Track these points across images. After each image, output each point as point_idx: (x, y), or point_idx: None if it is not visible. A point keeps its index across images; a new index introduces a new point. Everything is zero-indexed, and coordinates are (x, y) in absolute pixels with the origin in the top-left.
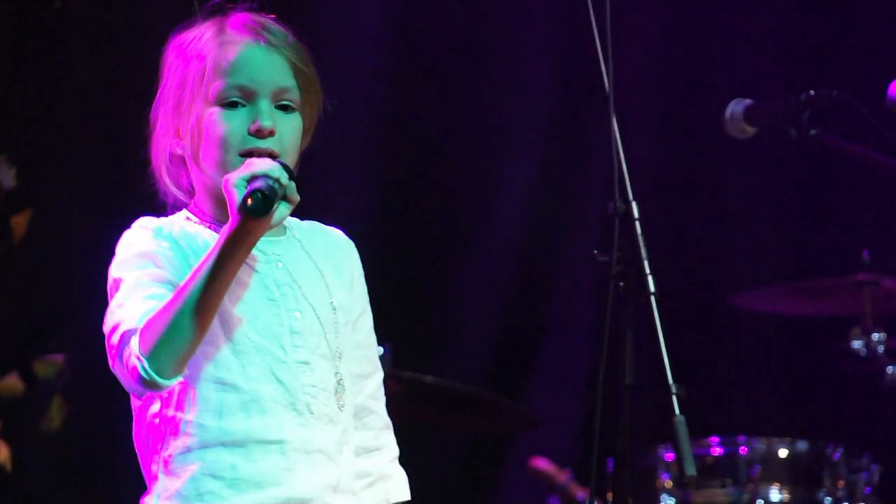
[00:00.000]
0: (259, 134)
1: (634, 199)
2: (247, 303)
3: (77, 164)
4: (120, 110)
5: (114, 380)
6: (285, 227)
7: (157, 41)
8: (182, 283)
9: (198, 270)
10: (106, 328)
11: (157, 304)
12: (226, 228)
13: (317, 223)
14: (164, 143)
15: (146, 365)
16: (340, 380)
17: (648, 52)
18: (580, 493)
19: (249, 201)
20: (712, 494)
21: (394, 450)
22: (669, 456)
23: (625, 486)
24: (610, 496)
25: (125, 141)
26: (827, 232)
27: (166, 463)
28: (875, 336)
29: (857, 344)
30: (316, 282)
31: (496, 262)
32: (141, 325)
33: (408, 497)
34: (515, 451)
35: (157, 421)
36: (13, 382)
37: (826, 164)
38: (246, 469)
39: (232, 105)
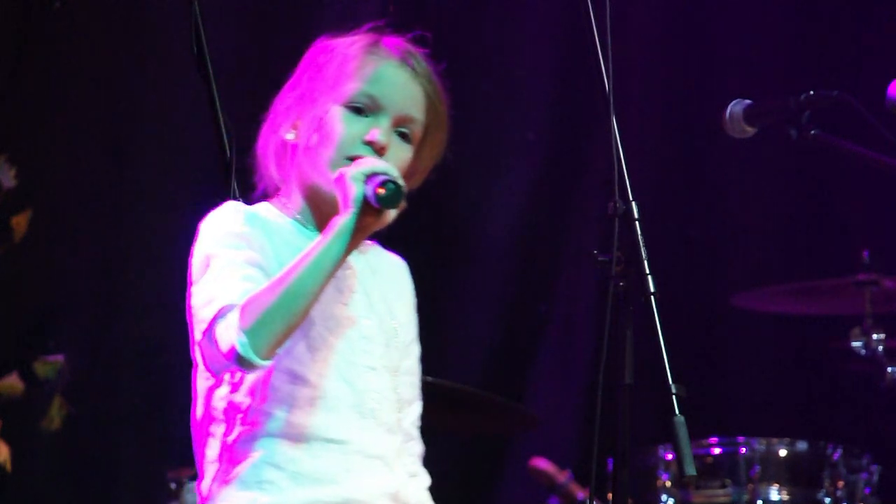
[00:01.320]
0: (372, 145)
1: (634, 199)
2: (323, 303)
3: (77, 164)
4: (120, 110)
5: (114, 380)
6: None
7: (158, 41)
8: (288, 267)
9: (306, 256)
10: (196, 301)
11: (255, 286)
12: (339, 220)
13: (377, 245)
14: (279, 128)
15: (246, 340)
16: (399, 396)
17: (648, 52)
18: (580, 493)
19: (382, 191)
20: (712, 494)
21: (427, 479)
22: (669, 456)
23: (625, 486)
24: (610, 496)
25: (125, 141)
26: (827, 232)
27: (229, 448)
28: (875, 336)
29: (857, 344)
30: (382, 300)
31: (496, 262)
32: (241, 302)
33: None
34: (515, 451)
35: (222, 405)
36: (13, 382)
37: (826, 164)
38: (307, 464)
39: (357, 110)
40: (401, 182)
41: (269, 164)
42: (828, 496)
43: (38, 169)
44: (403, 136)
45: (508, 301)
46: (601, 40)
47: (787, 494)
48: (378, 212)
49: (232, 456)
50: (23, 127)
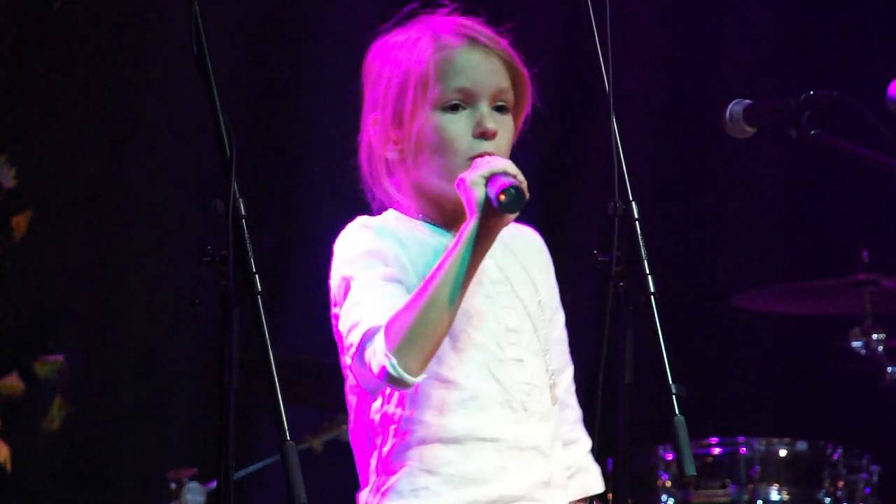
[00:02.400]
0: (484, 136)
1: (634, 199)
2: (466, 300)
3: (77, 164)
4: (120, 110)
5: (114, 380)
6: None
7: (157, 41)
8: (424, 281)
9: (440, 268)
10: (343, 326)
11: (396, 303)
12: (467, 226)
13: (511, 225)
14: (380, 150)
15: (395, 362)
16: (552, 375)
17: (648, 52)
18: None
19: (503, 197)
20: (712, 494)
21: (588, 442)
22: (669, 456)
23: (625, 486)
24: (610, 496)
25: (125, 141)
26: (827, 232)
27: (385, 460)
28: (875, 336)
29: (857, 344)
30: (524, 280)
31: None
32: (385, 323)
33: (603, 489)
34: None
35: (377, 418)
36: (13, 382)
37: (826, 164)
38: (461, 466)
39: (453, 108)
40: (520, 178)
41: (384, 184)
42: (828, 496)
43: (38, 169)
44: (501, 109)
45: None
46: (601, 40)
47: (787, 494)
48: (503, 213)
49: (387, 467)
50: (23, 127)
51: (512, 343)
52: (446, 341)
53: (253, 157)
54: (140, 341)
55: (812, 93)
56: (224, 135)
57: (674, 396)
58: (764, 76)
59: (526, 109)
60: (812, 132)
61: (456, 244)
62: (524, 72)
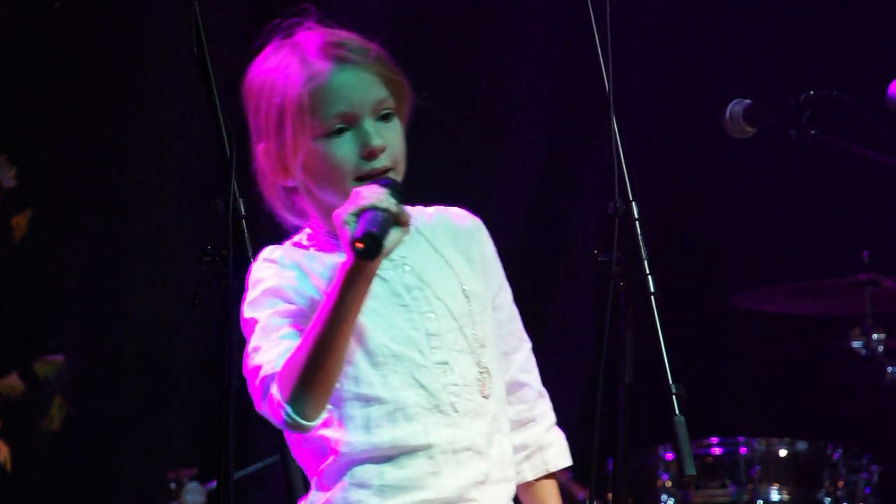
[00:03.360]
0: (371, 155)
1: (634, 199)
2: (379, 313)
3: (77, 164)
4: (120, 110)
5: (114, 380)
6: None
7: (157, 41)
8: (311, 324)
9: (323, 310)
10: (246, 372)
11: (292, 344)
12: (343, 265)
13: (440, 209)
14: (273, 180)
15: (289, 411)
16: (484, 370)
17: (648, 53)
18: (580, 493)
19: (360, 246)
20: (712, 494)
21: (550, 418)
22: (669, 456)
23: (625, 486)
24: (610, 496)
25: (125, 141)
26: (827, 232)
27: (319, 476)
28: (875, 336)
29: (857, 344)
30: (445, 276)
31: None
32: (279, 370)
33: (568, 462)
34: None
35: (311, 440)
36: (13, 382)
37: (826, 164)
38: (392, 475)
39: (338, 132)
40: (392, 207)
41: (283, 214)
42: (828, 496)
43: (38, 169)
44: (386, 117)
45: None
46: (601, 40)
47: (787, 494)
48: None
49: (322, 485)
50: (23, 127)
51: (434, 347)
52: (363, 358)
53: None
54: (140, 341)
55: (812, 93)
56: (224, 135)
57: (674, 396)
58: (764, 76)
59: (409, 103)
60: (812, 132)
61: (336, 286)
62: (398, 73)
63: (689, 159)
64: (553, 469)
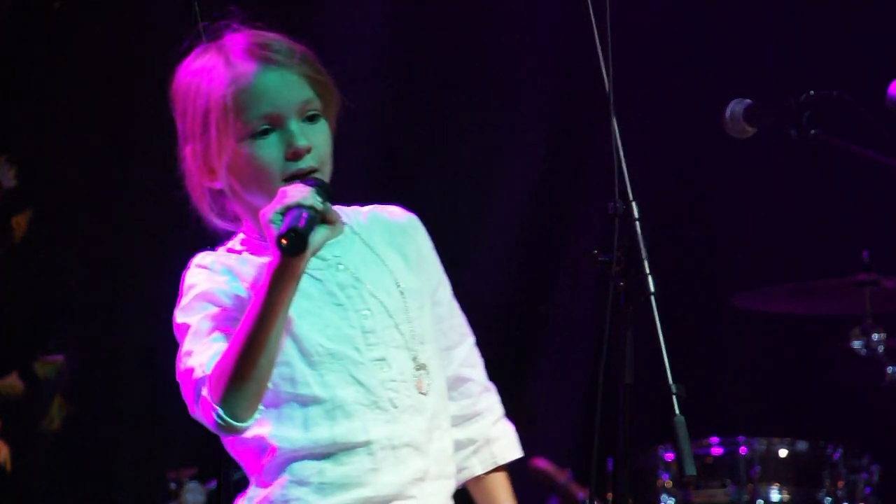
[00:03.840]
0: (297, 156)
1: (634, 199)
2: (314, 313)
3: (77, 164)
4: (120, 110)
5: (114, 380)
6: (343, 225)
7: (157, 41)
8: (239, 325)
9: (251, 311)
10: (178, 376)
11: (223, 346)
12: (270, 264)
13: (375, 208)
14: (199, 182)
15: (221, 413)
16: (421, 365)
17: (648, 52)
18: (580, 493)
19: (284, 242)
20: (712, 494)
21: (497, 410)
22: (669, 456)
23: (625, 486)
24: (610, 496)
25: (125, 141)
26: (827, 232)
27: (258, 472)
28: (875, 336)
29: (857, 344)
30: (380, 273)
31: (496, 261)
32: (210, 373)
33: (518, 454)
34: None
35: (248, 439)
36: (13, 382)
37: (826, 164)
38: (331, 473)
39: (263, 133)
40: (318, 204)
41: (210, 216)
42: (828, 496)
43: (38, 169)
44: (312, 118)
45: (508, 301)
46: (601, 41)
47: (787, 494)
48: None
49: (262, 482)
50: (23, 127)
51: (371, 344)
52: (300, 359)
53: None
54: (140, 341)
55: (812, 93)
56: None
57: (674, 396)
58: (764, 76)
59: (336, 106)
60: (812, 132)
61: (262, 285)
62: (324, 74)
63: (689, 159)
64: (501, 461)
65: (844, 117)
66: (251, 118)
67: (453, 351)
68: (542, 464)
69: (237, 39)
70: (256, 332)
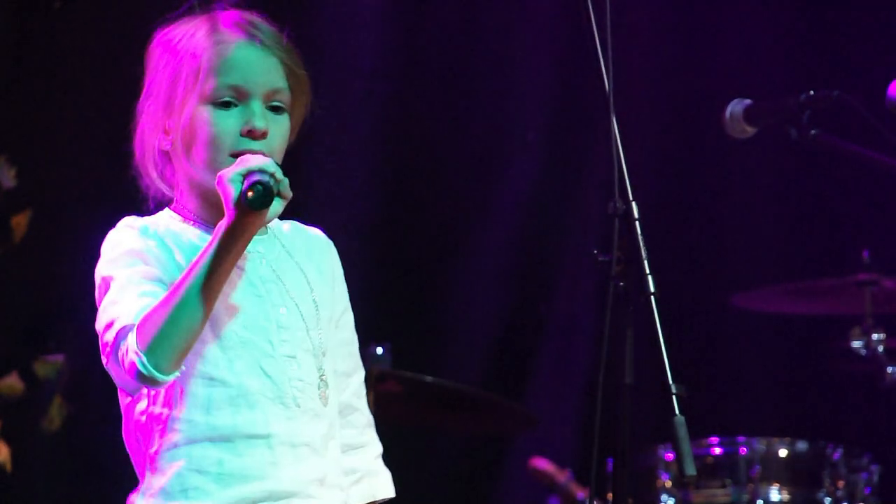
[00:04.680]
0: (251, 135)
1: (634, 199)
2: (233, 299)
3: (77, 164)
4: (120, 110)
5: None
6: (266, 227)
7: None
8: (179, 279)
9: (195, 265)
10: (99, 326)
11: (152, 301)
12: (222, 224)
13: (296, 223)
14: (151, 139)
15: (144, 360)
16: (323, 376)
17: (648, 52)
18: (580, 493)
19: (250, 193)
20: (712, 494)
21: (378, 447)
22: (669, 456)
23: (625, 486)
24: (610, 496)
25: (125, 141)
26: (827, 232)
27: (152, 460)
28: (875, 336)
29: (857, 344)
30: (298, 279)
31: (496, 261)
32: (137, 321)
33: (393, 494)
34: (515, 451)
35: (143, 419)
36: (13, 382)
37: (826, 164)
38: (232, 464)
39: (224, 105)
40: (278, 176)
41: (151, 174)
42: (828, 496)
43: (38, 169)
44: (277, 109)
45: (508, 301)
46: (601, 40)
47: (787, 494)
48: (255, 211)
49: (155, 468)
50: (23, 127)
51: (284, 340)
52: (213, 340)
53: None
54: None
55: (812, 93)
56: None
57: (674, 396)
58: (764, 76)
59: (305, 110)
60: (812, 132)
61: (210, 242)
62: (302, 70)
63: (689, 159)
64: (379, 497)
65: (844, 117)
66: (220, 85)
67: (349, 378)
68: (542, 464)
69: (228, 13)
70: (196, 288)
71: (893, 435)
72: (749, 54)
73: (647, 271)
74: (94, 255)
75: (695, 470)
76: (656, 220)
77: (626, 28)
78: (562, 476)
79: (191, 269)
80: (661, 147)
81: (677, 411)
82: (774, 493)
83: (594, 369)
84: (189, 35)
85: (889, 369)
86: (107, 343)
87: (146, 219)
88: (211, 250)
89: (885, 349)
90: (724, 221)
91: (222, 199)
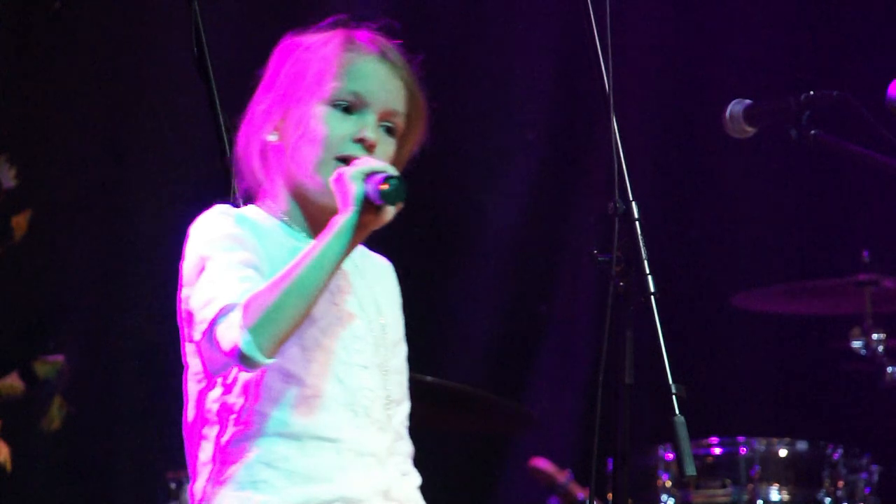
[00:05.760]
0: (363, 142)
1: (634, 199)
2: (316, 304)
3: (77, 164)
4: (120, 110)
5: (114, 380)
6: None
7: (158, 41)
8: (288, 266)
9: (307, 255)
10: (195, 302)
11: (253, 286)
12: (338, 219)
13: (363, 247)
14: (260, 130)
15: (249, 339)
16: (389, 394)
17: (648, 52)
18: (580, 493)
19: (385, 186)
20: (712, 494)
21: (418, 478)
22: (669, 456)
23: (625, 486)
24: (610, 496)
25: (125, 141)
26: (827, 232)
27: (223, 449)
28: (875, 336)
29: (857, 344)
30: (370, 299)
31: (496, 262)
32: (243, 301)
33: None
34: (515, 451)
35: (216, 406)
36: (13, 382)
37: (826, 164)
38: (300, 462)
39: (343, 109)
40: (396, 181)
41: (252, 165)
42: (828, 496)
43: (38, 169)
44: (388, 131)
45: (508, 301)
46: (601, 40)
47: (787, 494)
48: (378, 209)
49: (225, 457)
50: (23, 127)
51: (358, 350)
52: (296, 340)
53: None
54: (140, 341)
55: (812, 93)
56: (224, 135)
57: (674, 396)
58: (764, 76)
59: (415, 144)
60: (812, 132)
61: (327, 234)
62: (423, 105)
63: (689, 159)
64: None
65: (844, 117)
66: (342, 88)
67: (399, 406)
68: (542, 464)
69: (364, 31)
70: (309, 275)
71: (893, 435)
72: (749, 54)
73: (647, 271)
74: (95, 255)
75: (695, 470)
76: (656, 221)
77: (626, 28)
78: (562, 476)
79: (304, 258)
80: (661, 147)
81: (677, 411)
82: (774, 493)
83: (594, 369)
84: (323, 42)
85: (889, 369)
86: (203, 319)
87: (238, 209)
88: (327, 242)
89: (885, 349)
90: (724, 221)
91: (339, 197)
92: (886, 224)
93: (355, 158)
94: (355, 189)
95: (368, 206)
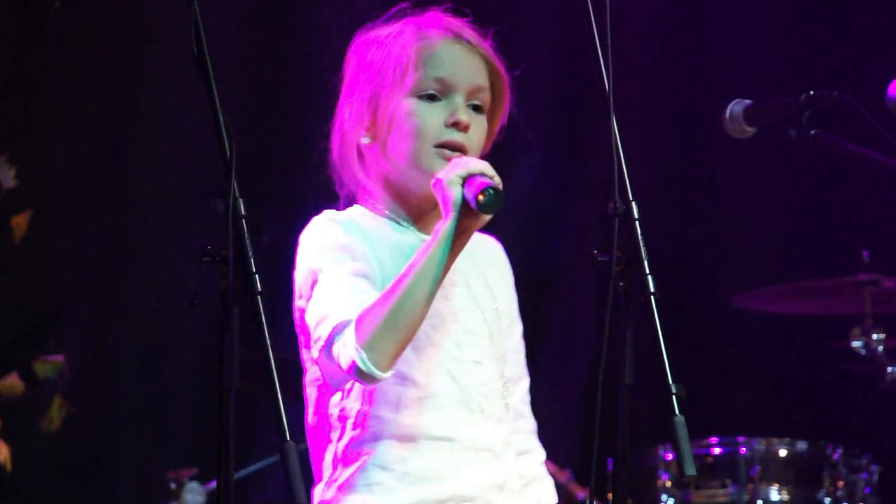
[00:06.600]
0: (456, 126)
1: (634, 199)
2: None
3: (77, 164)
4: (120, 110)
5: (114, 380)
6: None
7: (158, 41)
8: (397, 278)
9: (414, 265)
10: (311, 319)
11: (365, 298)
12: (441, 225)
13: (478, 233)
14: (351, 135)
15: (365, 356)
16: (506, 382)
17: (648, 52)
18: (580, 493)
19: (482, 197)
20: (712, 494)
21: (542, 453)
22: (669, 456)
23: (625, 486)
24: (610, 496)
25: (125, 141)
26: (827, 232)
27: (339, 453)
28: (875, 336)
29: (857, 344)
30: (482, 286)
31: None
32: (355, 317)
33: (556, 501)
34: None
35: (336, 412)
36: (13, 382)
37: (826, 164)
38: (415, 463)
39: (429, 98)
40: (497, 180)
41: (353, 169)
42: (828, 496)
43: (38, 169)
44: (477, 109)
45: None
46: (601, 40)
47: (787, 494)
48: (478, 213)
49: (343, 461)
50: (23, 127)
51: (471, 345)
52: None
53: (253, 157)
54: (140, 341)
55: (812, 93)
56: (224, 135)
57: (674, 396)
58: (764, 76)
59: (502, 116)
60: (812, 132)
61: (431, 243)
62: (504, 76)
63: (689, 159)
64: (544, 503)
65: (844, 117)
66: (425, 77)
67: (517, 384)
68: None
69: (433, 14)
70: (417, 285)
71: (893, 435)
72: (749, 54)
73: (647, 271)
74: (94, 255)
75: (695, 470)
76: (656, 220)
77: (626, 27)
78: (562, 476)
79: (410, 269)
80: (661, 147)
81: (677, 411)
82: (774, 493)
83: (594, 369)
84: (395, 35)
85: (889, 369)
86: (320, 337)
87: (345, 213)
88: (433, 250)
89: (885, 349)
90: (724, 221)
91: (440, 201)
92: (886, 224)
93: (455, 142)
94: (453, 194)
95: (468, 211)
